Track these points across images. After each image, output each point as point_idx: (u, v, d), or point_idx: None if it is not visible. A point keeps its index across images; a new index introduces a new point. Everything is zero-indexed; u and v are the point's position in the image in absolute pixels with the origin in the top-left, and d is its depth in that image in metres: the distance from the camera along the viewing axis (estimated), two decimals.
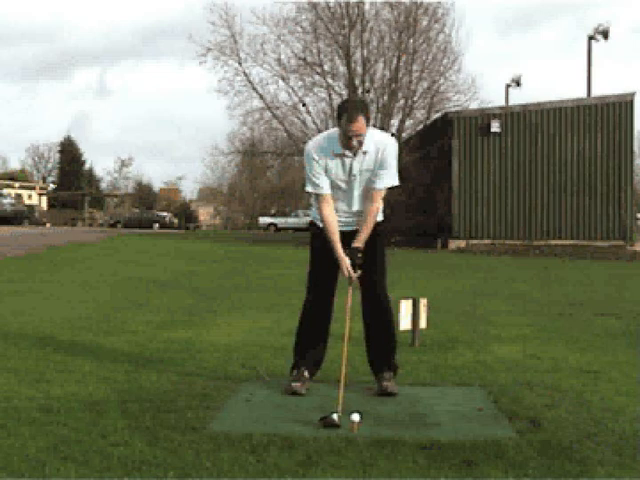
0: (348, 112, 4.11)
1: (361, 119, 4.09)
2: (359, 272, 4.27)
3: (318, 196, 4.31)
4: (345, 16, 25.09)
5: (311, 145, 4.34)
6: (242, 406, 4.03)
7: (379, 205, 4.37)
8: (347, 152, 4.22)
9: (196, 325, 6.91)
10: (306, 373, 4.46)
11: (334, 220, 4.30)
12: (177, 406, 3.93)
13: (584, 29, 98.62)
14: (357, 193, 4.35)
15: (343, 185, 4.31)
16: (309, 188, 4.33)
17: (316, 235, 4.48)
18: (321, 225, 4.37)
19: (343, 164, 4.26)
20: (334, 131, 4.31)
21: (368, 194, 4.33)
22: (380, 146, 4.25)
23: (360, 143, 4.17)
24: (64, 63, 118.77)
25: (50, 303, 8.37)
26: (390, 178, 4.31)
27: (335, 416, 3.64)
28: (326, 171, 4.27)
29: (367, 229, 4.31)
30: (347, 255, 4.25)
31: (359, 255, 4.25)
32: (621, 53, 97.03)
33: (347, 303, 4.22)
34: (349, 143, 4.16)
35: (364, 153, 4.23)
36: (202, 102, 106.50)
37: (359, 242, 4.28)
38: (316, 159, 4.26)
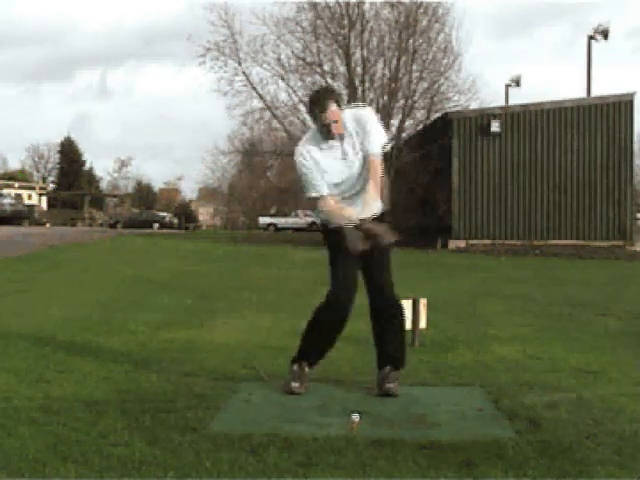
0: (318, 103, 4.15)
1: (332, 105, 4.14)
2: (368, 244, 4.17)
3: (319, 198, 4.29)
4: (345, 16, 25.08)
5: (299, 152, 4.32)
6: (242, 406, 4.03)
7: (379, 172, 4.28)
8: (333, 142, 4.22)
9: (196, 325, 6.91)
10: (307, 368, 4.42)
11: (339, 204, 4.27)
12: (177, 406, 3.93)
13: (584, 30, 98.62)
14: (360, 174, 4.32)
15: (346, 174, 4.28)
16: (311, 193, 4.29)
17: (331, 234, 4.39)
18: (332, 226, 4.30)
19: (335, 155, 4.25)
20: (312, 130, 4.33)
21: (366, 164, 4.28)
22: (356, 117, 4.27)
23: (339, 128, 4.18)
24: (65, 64, 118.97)
25: (50, 303, 8.36)
26: (378, 138, 4.28)
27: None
28: (324, 171, 4.26)
29: (370, 199, 4.21)
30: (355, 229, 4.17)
31: (367, 226, 4.18)
32: (620, 54, 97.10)
33: None
34: (330, 133, 4.18)
35: (350, 135, 4.24)
36: (202, 102, 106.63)
37: (365, 213, 4.22)
38: (309, 162, 4.25)
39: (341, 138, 4.24)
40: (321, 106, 4.14)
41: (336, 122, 4.16)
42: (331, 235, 4.39)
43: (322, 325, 4.43)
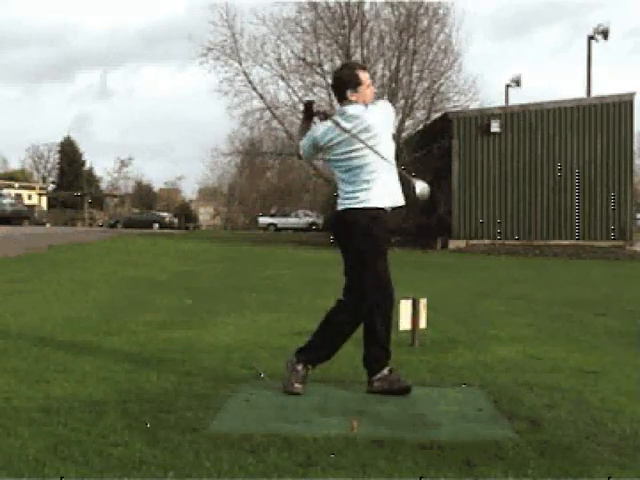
0: (364, 67, 4.42)
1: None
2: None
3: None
4: (345, 16, 25.10)
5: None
6: (242, 406, 4.03)
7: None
8: (356, 110, 4.26)
9: (196, 325, 6.91)
10: (310, 370, 4.38)
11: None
12: (177, 406, 3.93)
13: (583, 30, 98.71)
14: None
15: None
16: (303, 141, 4.57)
17: (370, 225, 4.21)
18: (367, 205, 4.19)
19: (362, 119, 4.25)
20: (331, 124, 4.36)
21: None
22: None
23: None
24: (66, 65, 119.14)
25: (50, 303, 8.36)
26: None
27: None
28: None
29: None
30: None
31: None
32: (619, 54, 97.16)
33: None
34: (370, 96, 4.33)
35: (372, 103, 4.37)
36: (202, 103, 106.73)
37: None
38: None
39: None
40: (365, 67, 4.45)
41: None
42: (362, 231, 4.20)
43: (345, 329, 4.34)
